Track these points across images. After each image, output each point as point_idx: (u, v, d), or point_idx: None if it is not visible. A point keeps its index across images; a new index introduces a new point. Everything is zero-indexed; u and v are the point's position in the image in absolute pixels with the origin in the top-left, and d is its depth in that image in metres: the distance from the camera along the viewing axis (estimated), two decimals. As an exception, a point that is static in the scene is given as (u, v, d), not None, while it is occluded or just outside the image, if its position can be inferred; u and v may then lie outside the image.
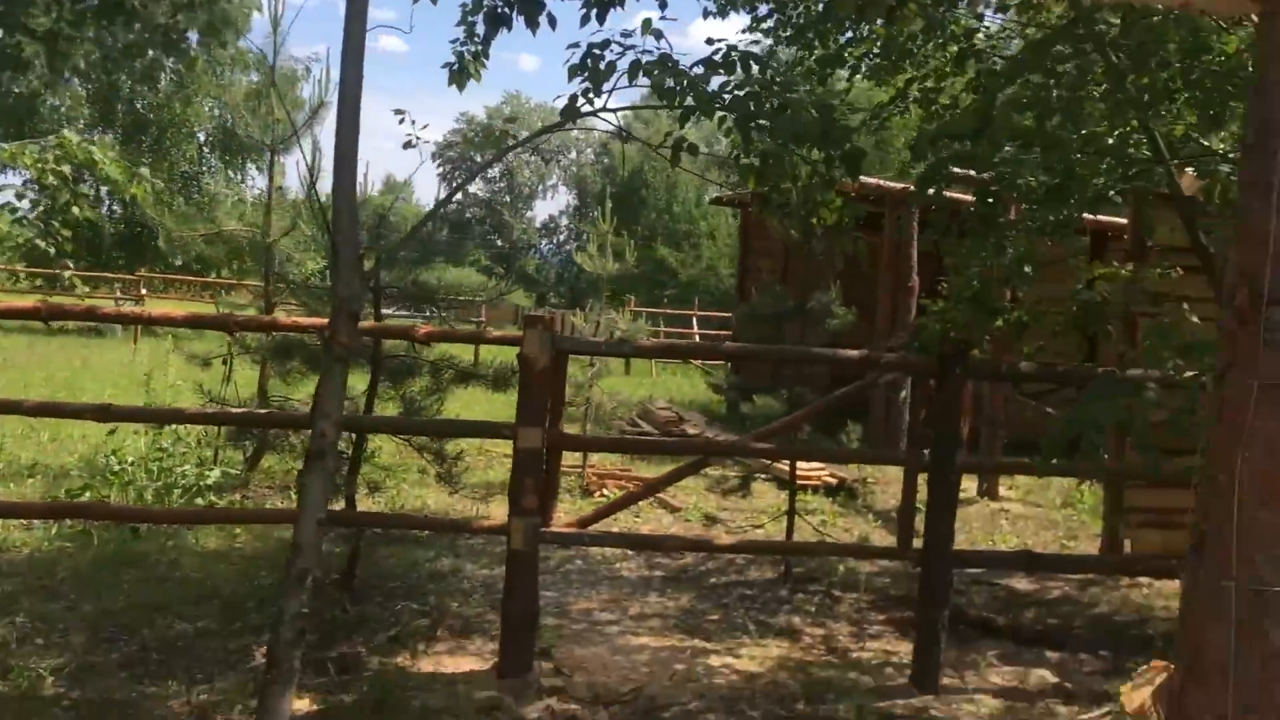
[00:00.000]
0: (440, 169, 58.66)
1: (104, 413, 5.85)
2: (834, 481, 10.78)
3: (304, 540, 3.72)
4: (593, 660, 6.05)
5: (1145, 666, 1.69)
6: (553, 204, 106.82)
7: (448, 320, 6.67)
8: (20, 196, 25.80)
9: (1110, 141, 4.71)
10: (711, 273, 40.44)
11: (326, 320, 4.13)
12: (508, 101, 62.18)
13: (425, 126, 4.30)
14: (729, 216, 39.65)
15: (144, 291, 25.73)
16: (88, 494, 7.90)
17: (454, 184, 62.61)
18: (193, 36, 35.76)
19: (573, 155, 64.57)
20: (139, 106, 39.23)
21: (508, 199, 63.74)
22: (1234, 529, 1.37)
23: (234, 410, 6.55)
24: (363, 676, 5.46)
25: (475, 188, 63.74)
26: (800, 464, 10.50)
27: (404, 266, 6.58)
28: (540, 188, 65.83)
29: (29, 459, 9.75)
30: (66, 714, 4.85)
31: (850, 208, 5.78)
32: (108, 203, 34.12)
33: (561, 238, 63.84)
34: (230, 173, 40.55)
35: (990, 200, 4.51)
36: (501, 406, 9.01)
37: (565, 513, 9.28)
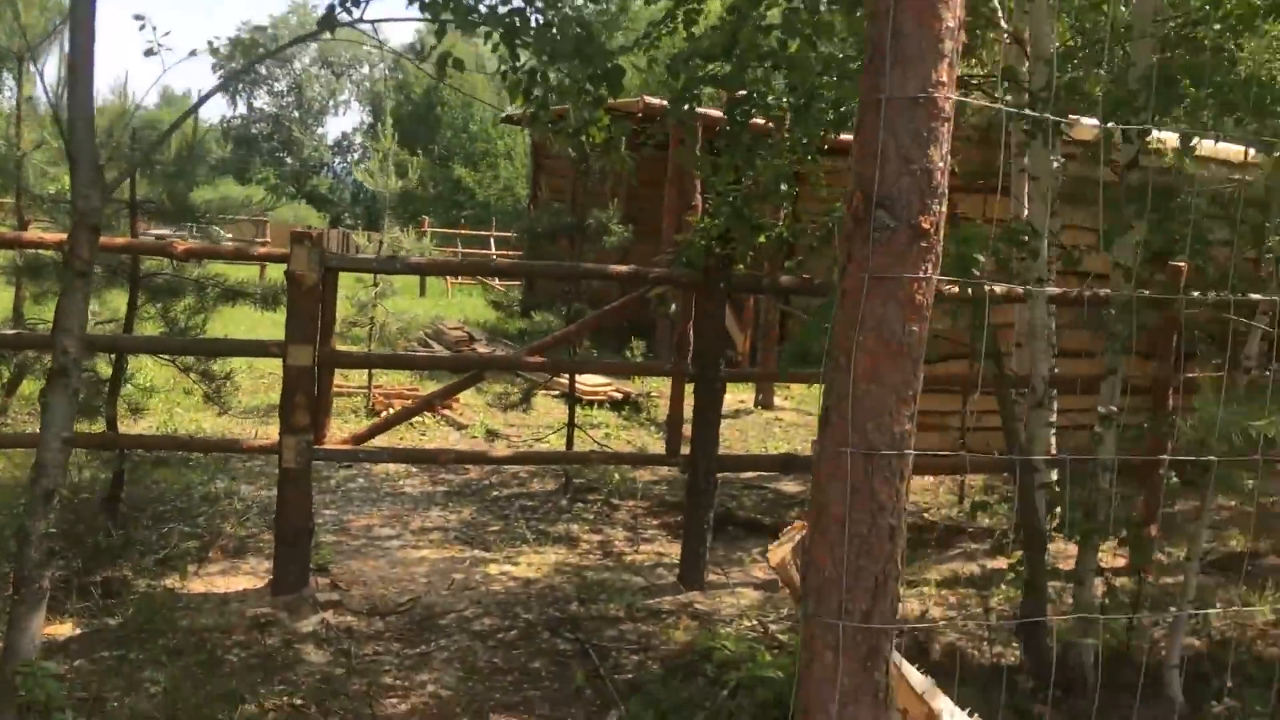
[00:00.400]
0: (222, 80, 55.36)
1: None
2: (619, 396, 11.09)
3: (48, 459, 3.64)
4: (371, 574, 6.14)
5: (789, 527, 1.92)
6: (346, 120, 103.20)
7: (211, 236, 6.47)
8: None
9: (853, 65, 4.98)
10: (509, 193, 40.05)
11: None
12: (294, 10, 59.17)
13: (168, 34, 4.13)
14: (525, 136, 39.27)
15: (-113, 209, 23.61)
16: None
17: (239, 96, 59.44)
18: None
19: (365, 70, 62.23)
20: (-126, 5, 35.41)
21: (296, 114, 60.99)
22: (850, 402, 1.59)
23: (-22, 332, 6.21)
24: (129, 599, 5.38)
25: (261, 102, 60.65)
26: (586, 380, 10.75)
27: (166, 181, 6.32)
28: (331, 104, 63.23)
29: None
30: None
31: (619, 126, 5.90)
32: None
33: (355, 156, 61.61)
34: (-16, 80, 37.26)
35: (739, 119, 4.73)
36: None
37: (350, 432, 9.23)
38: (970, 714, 1.90)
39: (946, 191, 1.60)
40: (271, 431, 8.27)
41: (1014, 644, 5.43)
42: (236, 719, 4.32)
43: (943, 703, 1.86)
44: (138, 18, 4.15)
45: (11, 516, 6.38)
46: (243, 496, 7.28)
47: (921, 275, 1.59)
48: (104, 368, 6.23)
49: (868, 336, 1.58)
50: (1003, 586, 6.18)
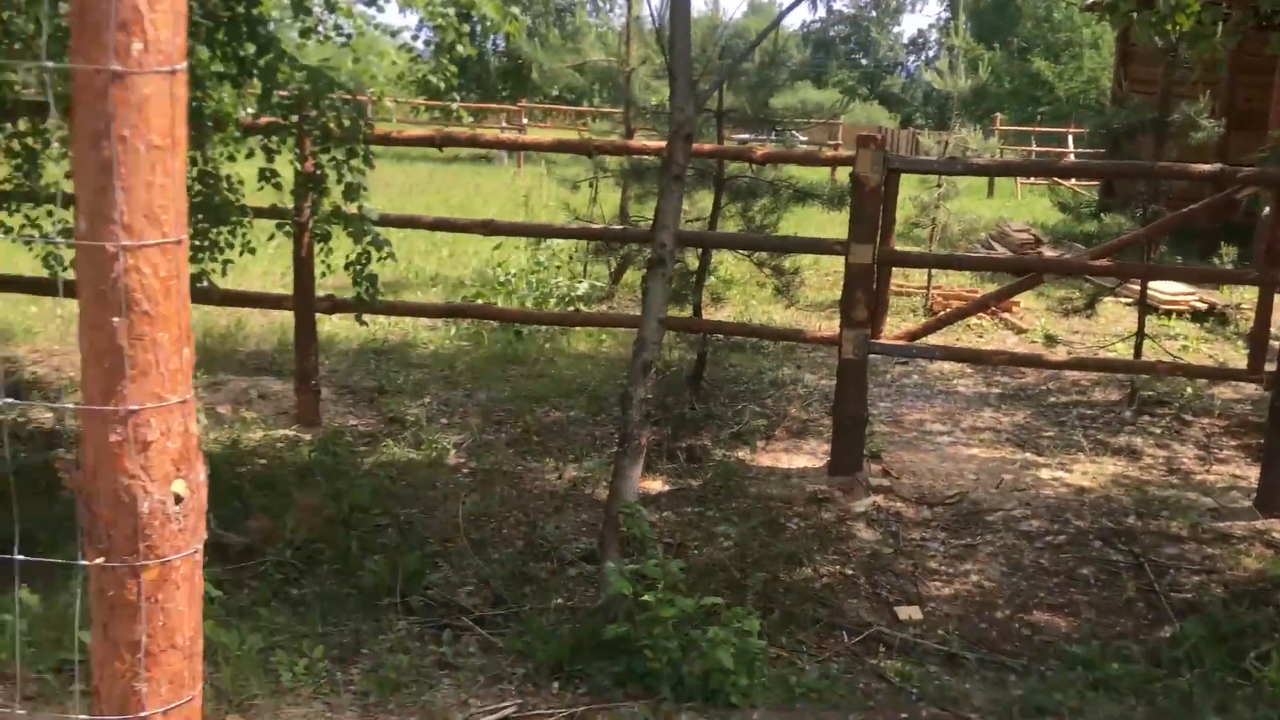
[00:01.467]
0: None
1: (486, 227, 6.73)
2: (1203, 306, 10.19)
3: (647, 336, 4.28)
4: (920, 465, 6.38)
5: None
6: (921, 18, 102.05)
7: (786, 141, 6.94)
8: (415, 38, 28.06)
9: None
10: (1093, 86, 37.18)
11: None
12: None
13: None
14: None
15: (525, 121, 27.51)
16: (479, 301, 8.99)
17: (819, 3, 61.04)
18: None
19: (944, -39, 60.68)
20: (522, -63, 40.79)
21: (874, 14, 61.26)
22: None
23: (594, 226, 7.25)
24: (707, 465, 6.12)
25: (840, 4, 61.70)
26: (1165, 288, 10.03)
27: (749, 91, 6.88)
28: (908, 0, 62.70)
29: (432, 271, 11.12)
30: (466, 479, 5.86)
31: (1211, 11, 5.43)
32: (491, 38, 36.33)
33: (930, 54, 60.77)
34: (600, 2, 41.78)
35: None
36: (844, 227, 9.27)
37: (906, 330, 9.49)
38: None
39: None
40: (832, 325, 8.76)
41: None
42: (795, 578, 4.82)
43: None
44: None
45: (615, 385, 7.48)
46: (805, 383, 7.84)
47: None
48: (692, 261, 7.00)
49: None
50: None
